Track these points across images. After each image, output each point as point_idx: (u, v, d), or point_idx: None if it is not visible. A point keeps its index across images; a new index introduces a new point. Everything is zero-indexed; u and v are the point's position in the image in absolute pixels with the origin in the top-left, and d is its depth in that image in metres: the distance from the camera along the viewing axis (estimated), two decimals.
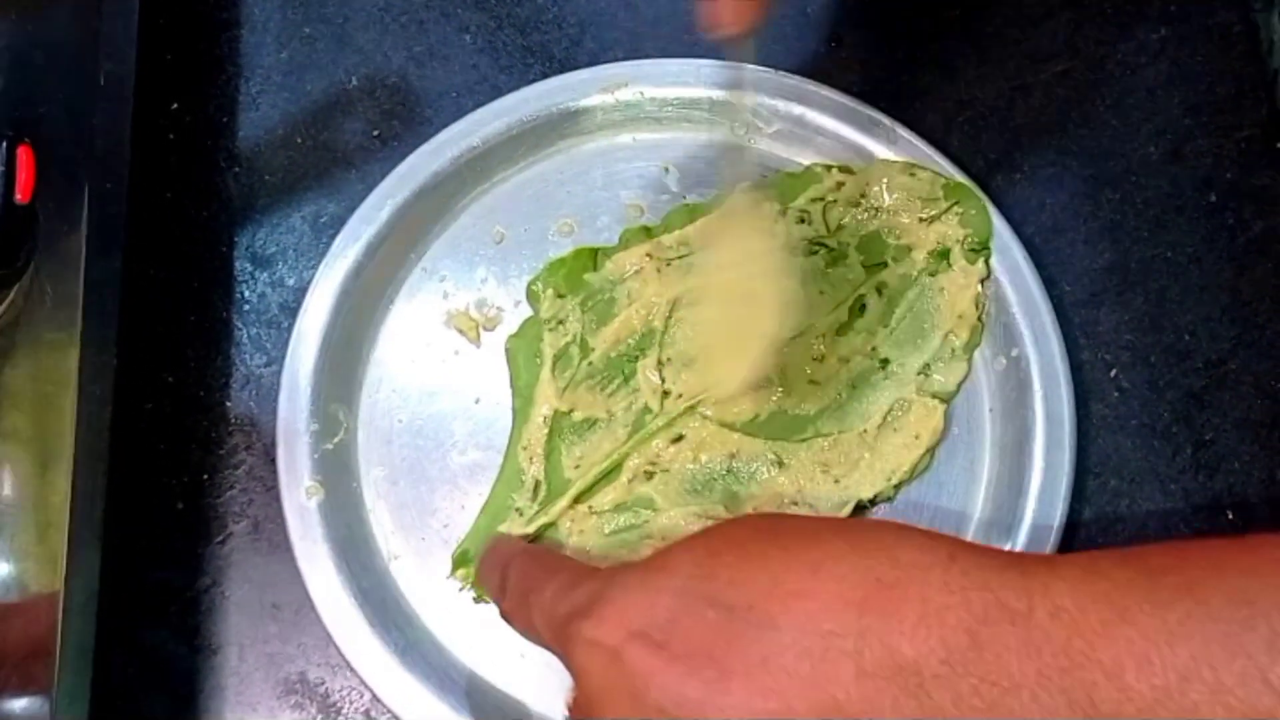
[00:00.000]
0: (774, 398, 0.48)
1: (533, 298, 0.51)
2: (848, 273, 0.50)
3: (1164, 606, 0.29)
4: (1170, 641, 0.28)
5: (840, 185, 0.51)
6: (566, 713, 0.37)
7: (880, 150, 0.51)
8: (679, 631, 0.33)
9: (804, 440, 0.48)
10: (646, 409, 0.48)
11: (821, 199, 0.51)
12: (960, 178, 0.51)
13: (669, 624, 0.33)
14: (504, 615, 0.41)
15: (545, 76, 0.52)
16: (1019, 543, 0.47)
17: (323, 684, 0.48)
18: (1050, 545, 0.47)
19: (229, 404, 0.50)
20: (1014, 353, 0.49)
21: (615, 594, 0.35)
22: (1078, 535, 0.49)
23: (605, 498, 0.48)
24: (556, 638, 0.37)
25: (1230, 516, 0.49)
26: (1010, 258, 0.50)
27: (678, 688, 0.32)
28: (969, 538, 0.48)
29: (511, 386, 0.50)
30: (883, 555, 0.32)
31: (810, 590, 0.32)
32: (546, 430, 0.48)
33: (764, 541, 0.34)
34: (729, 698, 0.31)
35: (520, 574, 0.41)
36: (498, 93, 0.52)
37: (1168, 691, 0.28)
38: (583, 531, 0.48)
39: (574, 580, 0.37)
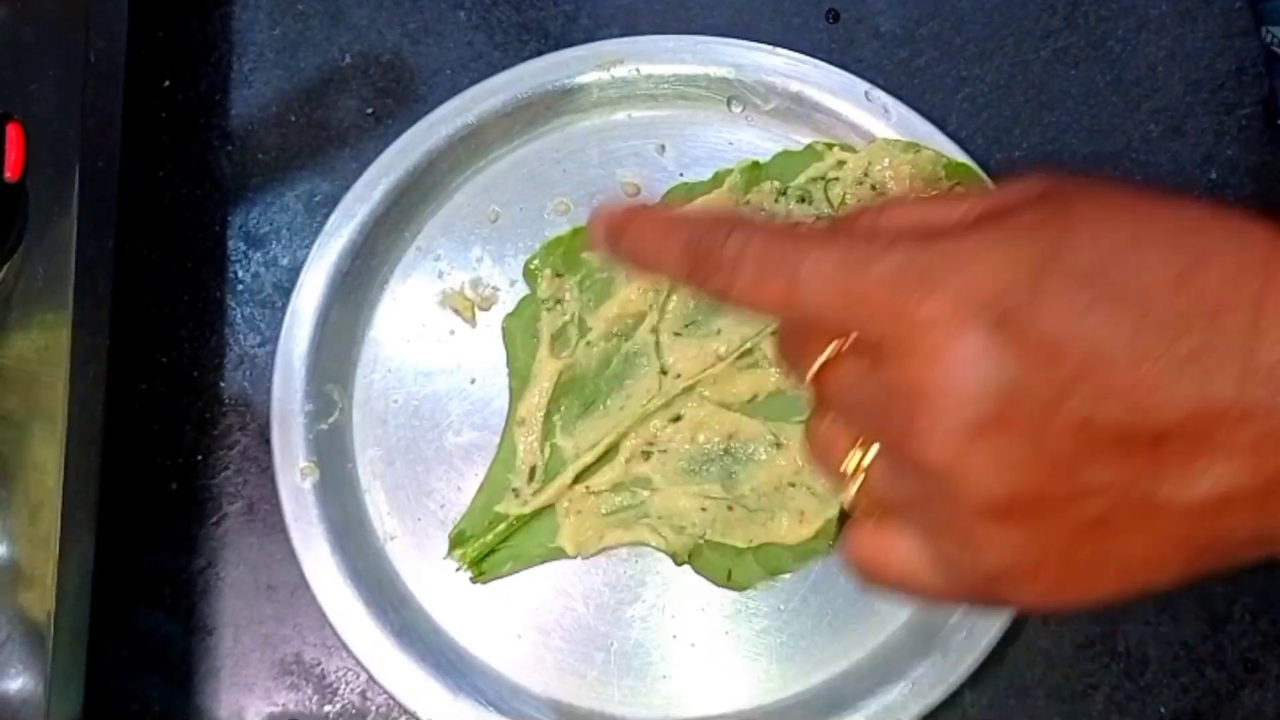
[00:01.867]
0: (773, 379, 0.48)
1: (530, 277, 0.50)
2: None
3: None
4: None
5: (841, 164, 0.51)
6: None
7: (879, 128, 0.51)
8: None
9: (802, 421, 0.48)
10: (644, 388, 0.48)
11: (823, 178, 0.51)
12: (961, 157, 0.50)
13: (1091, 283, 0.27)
14: (732, 295, 0.31)
15: (540, 53, 0.52)
16: None
17: (319, 665, 0.48)
18: None
19: (223, 384, 0.50)
20: None
21: (959, 261, 0.28)
22: None
23: (603, 478, 0.48)
24: (882, 313, 0.29)
25: None
26: None
27: (1111, 336, 0.26)
28: None
29: (509, 366, 0.49)
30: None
31: (1197, 282, 0.27)
32: (544, 410, 0.48)
33: (1129, 225, 0.28)
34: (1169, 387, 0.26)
35: (760, 250, 0.31)
36: (492, 70, 0.51)
37: None
38: (580, 512, 0.47)
39: (857, 246, 0.29)
